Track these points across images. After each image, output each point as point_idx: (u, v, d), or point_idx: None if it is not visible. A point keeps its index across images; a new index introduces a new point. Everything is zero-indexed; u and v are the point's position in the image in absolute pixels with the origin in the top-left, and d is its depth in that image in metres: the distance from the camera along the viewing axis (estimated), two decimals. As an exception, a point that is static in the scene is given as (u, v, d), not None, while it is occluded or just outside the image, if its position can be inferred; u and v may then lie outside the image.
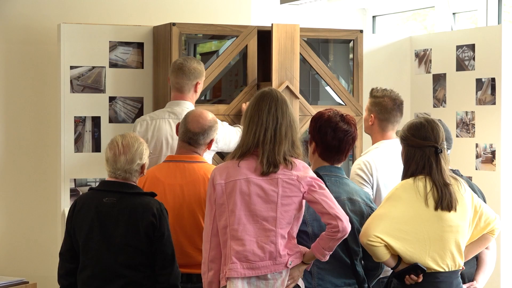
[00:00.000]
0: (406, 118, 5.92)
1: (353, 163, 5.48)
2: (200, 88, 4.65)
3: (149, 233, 3.64)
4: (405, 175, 3.61)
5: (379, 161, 4.18)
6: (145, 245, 3.65)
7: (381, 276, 4.03)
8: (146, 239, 3.64)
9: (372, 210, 3.69)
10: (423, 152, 3.57)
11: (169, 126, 4.49)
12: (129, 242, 3.63)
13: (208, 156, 4.47)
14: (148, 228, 3.64)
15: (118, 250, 3.64)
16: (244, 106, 4.88)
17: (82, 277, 3.71)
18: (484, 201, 4.01)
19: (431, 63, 6.06)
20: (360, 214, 3.66)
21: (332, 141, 3.66)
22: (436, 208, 3.50)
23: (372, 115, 4.37)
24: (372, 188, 4.16)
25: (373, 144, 4.39)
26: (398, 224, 3.47)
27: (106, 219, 3.67)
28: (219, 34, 5.14)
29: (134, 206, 3.66)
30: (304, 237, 3.55)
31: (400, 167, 4.12)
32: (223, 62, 5.07)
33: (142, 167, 3.77)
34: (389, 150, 4.26)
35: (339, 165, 3.76)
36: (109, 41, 5.16)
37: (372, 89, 4.48)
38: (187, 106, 4.54)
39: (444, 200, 3.51)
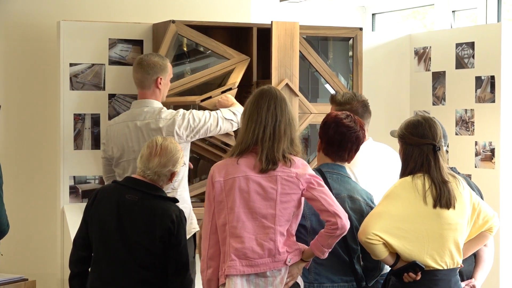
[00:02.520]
0: (406, 116, 5.94)
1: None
2: (164, 85, 4.46)
3: (164, 238, 3.63)
4: (404, 173, 3.61)
5: (358, 167, 4.12)
6: (158, 249, 3.64)
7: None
8: (160, 243, 3.64)
9: (372, 209, 3.68)
10: (421, 150, 3.57)
11: (127, 129, 4.40)
12: (143, 243, 3.63)
13: (186, 154, 4.43)
14: (165, 233, 3.63)
15: (132, 247, 3.64)
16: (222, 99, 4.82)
17: (97, 268, 3.72)
18: (482, 198, 4.01)
19: (430, 61, 6.06)
20: (360, 212, 3.65)
21: (334, 135, 3.66)
22: (434, 206, 3.50)
23: None
24: None
25: None
26: (397, 222, 3.48)
27: (125, 216, 3.67)
28: (214, 50, 5.09)
29: (154, 209, 3.65)
30: (302, 230, 3.55)
31: (380, 165, 4.13)
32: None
33: (172, 174, 3.76)
34: (366, 152, 4.20)
35: (343, 164, 3.75)
36: (109, 39, 5.16)
37: (333, 96, 4.33)
38: (147, 104, 4.41)
39: (442, 198, 3.51)
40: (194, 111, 4.46)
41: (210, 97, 4.87)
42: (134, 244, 3.64)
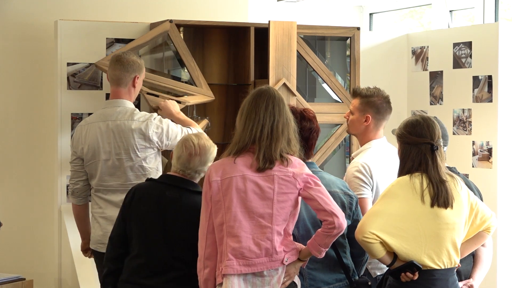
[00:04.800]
0: (403, 115, 5.94)
1: (349, 159, 5.50)
2: (139, 84, 4.42)
3: None
4: (401, 172, 3.61)
5: (375, 162, 4.16)
6: None
7: (378, 274, 4.04)
8: None
9: (351, 197, 3.71)
10: (419, 149, 3.58)
11: (99, 130, 4.31)
12: (186, 238, 3.64)
13: (158, 159, 4.38)
14: None
15: (174, 243, 3.65)
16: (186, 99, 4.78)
17: (133, 264, 3.72)
18: (481, 198, 4.01)
19: (428, 60, 6.06)
20: (342, 205, 3.66)
21: (300, 142, 3.68)
22: (432, 205, 3.50)
23: (368, 115, 4.24)
24: (372, 191, 4.14)
25: (362, 144, 4.33)
26: (394, 221, 3.48)
27: (167, 212, 3.68)
28: (189, 71, 5.07)
29: (196, 204, 3.66)
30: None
31: (391, 165, 4.14)
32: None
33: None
34: (381, 149, 4.25)
35: (310, 160, 3.75)
36: (106, 38, 5.16)
37: (357, 89, 4.33)
38: (120, 104, 4.34)
39: (440, 197, 3.51)
40: (170, 122, 4.40)
41: (157, 96, 4.85)
42: (177, 240, 3.65)
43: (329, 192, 3.64)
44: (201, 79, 5.05)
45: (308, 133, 3.72)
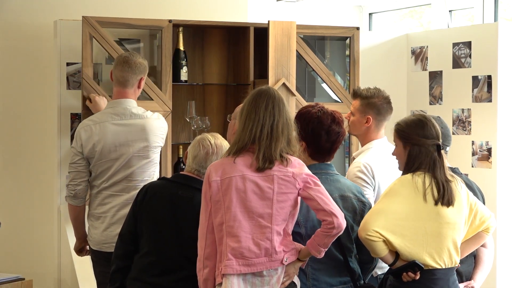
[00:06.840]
0: (402, 115, 5.93)
1: (349, 159, 5.51)
2: (143, 85, 4.43)
3: None
4: (407, 173, 3.60)
5: (377, 162, 4.16)
6: None
7: (379, 273, 4.04)
8: None
9: (364, 204, 3.69)
10: (426, 149, 3.58)
11: (113, 128, 4.27)
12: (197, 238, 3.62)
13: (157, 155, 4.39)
14: None
15: (185, 243, 3.65)
16: None
17: (142, 262, 3.72)
18: (483, 199, 4.01)
19: (427, 60, 6.06)
20: (353, 210, 3.66)
21: (326, 144, 3.68)
22: (436, 203, 3.51)
23: (369, 117, 4.25)
24: (374, 191, 4.14)
25: (363, 144, 4.34)
26: (397, 219, 3.48)
27: (179, 212, 3.68)
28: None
29: None
30: (298, 238, 3.55)
31: (393, 165, 4.14)
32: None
33: None
34: (382, 149, 4.25)
35: (329, 162, 3.76)
36: (106, 38, 5.15)
37: (357, 90, 4.34)
38: (129, 104, 4.33)
39: (445, 196, 3.51)
40: None
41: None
42: (188, 240, 3.64)
43: (342, 196, 3.65)
44: (169, 87, 5.02)
45: (336, 136, 3.71)
